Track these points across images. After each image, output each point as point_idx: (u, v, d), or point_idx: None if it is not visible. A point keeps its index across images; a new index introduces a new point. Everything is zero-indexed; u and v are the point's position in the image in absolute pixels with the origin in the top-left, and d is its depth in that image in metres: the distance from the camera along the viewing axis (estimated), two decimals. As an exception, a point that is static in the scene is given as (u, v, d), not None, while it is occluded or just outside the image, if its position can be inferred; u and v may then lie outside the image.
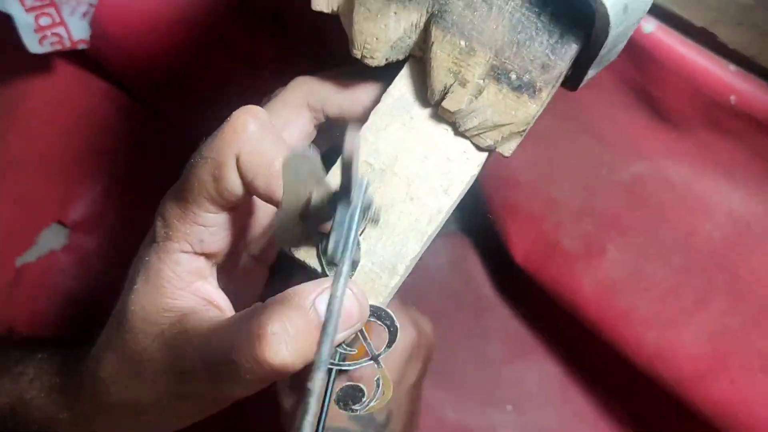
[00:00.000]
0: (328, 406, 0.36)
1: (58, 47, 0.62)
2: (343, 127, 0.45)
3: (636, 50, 0.54)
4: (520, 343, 0.78)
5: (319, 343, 0.27)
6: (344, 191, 0.31)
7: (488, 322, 0.78)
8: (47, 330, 0.70)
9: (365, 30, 0.40)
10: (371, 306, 0.38)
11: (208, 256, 0.41)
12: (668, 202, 0.61)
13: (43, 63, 0.66)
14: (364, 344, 0.38)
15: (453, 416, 0.76)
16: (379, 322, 0.38)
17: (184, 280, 0.40)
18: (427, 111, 0.42)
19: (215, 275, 0.43)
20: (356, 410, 0.38)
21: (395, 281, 0.40)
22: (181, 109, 0.71)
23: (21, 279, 0.70)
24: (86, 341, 0.46)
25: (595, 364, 0.73)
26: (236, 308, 0.43)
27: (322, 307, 0.36)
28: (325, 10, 0.42)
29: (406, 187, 0.41)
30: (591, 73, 0.41)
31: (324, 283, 0.36)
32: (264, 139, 0.38)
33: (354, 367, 0.38)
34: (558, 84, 0.40)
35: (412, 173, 0.41)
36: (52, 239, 0.71)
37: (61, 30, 0.61)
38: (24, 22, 0.59)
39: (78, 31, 0.62)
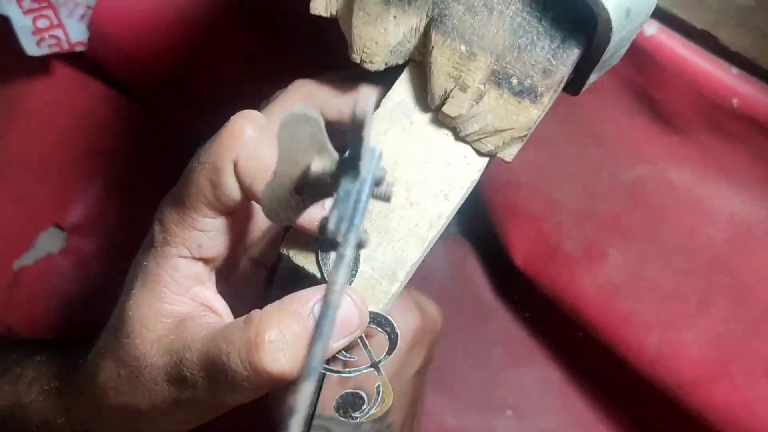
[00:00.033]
0: (314, 413, 0.36)
1: (56, 49, 0.61)
2: (342, 130, 0.44)
3: (637, 53, 0.54)
4: (521, 347, 0.77)
5: (308, 350, 0.24)
6: (351, 160, 0.26)
7: (488, 326, 0.78)
8: (46, 333, 0.69)
9: (364, 34, 0.40)
10: (371, 312, 0.38)
11: (206, 260, 0.41)
12: (670, 205, 0.61)
13: (41, 65, 0.66)
14: (364, 351, 0.38)
15: (453, 421, 0.76)
16: (379, 329, 0.38)
17: (183, 286, 0.40)
18: (427, 116, 0.41)
19: (213, 280, 0.43)
20: (356, 418, 0.38)
21: (395, 287, 0.39)
22: (179, 110, 0.71)
23: (18, 282, 0.69)
24: (85, 344, 0.45)
25: (595, 368, 0.73)
26: (235, 312, 0.43)
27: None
28: (324, 15, 0.42)
29: (406, 192, 0.40)
30: (593, 77, 0.41)
31: (323, 290, 0.36)
32: (262, 144, 0.38)
33: (354, 374, 0.38)
34: (560, 89, 0.39)
35: (412, 178, 0.41)
36: (49, 242, 0.71)
37: (58, 32, 0.61)
38: (21, 25, 0.59)
39: (76, 33, 0.62)
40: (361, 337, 0.38)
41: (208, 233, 0.40)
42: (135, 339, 0.40)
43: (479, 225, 0.74)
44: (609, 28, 0.35)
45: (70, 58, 0.65)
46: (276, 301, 0.37)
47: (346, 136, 0.25)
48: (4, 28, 0.58)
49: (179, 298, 0.40)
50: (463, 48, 0.39)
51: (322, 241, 0.38)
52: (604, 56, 0.38)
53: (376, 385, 0.38)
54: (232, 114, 0.39)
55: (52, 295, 0.71)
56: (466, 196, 0.41)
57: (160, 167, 0.53)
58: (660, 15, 0.53)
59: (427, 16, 0.40)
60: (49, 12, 0.60)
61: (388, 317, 0.38)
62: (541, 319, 0.77)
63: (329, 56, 0.48)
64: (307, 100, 0.45)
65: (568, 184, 0.66)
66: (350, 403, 0.38)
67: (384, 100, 0.42)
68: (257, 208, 0.44)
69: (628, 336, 0.64)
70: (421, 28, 0.40)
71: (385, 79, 0.42)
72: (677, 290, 0.62)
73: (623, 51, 0.40)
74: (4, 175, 0.68)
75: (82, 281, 0.72)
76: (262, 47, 0.65)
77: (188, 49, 0.64)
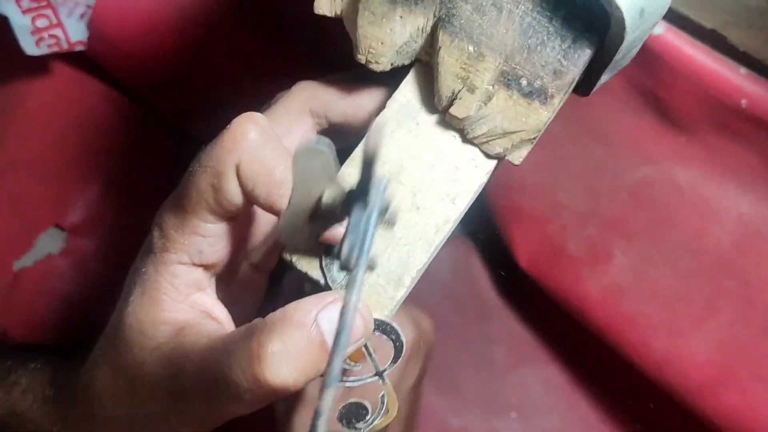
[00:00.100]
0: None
1: (56, 49, 0.61)
2: (346, 133, 0.44)
3: (645, 52, 0.53)
4: (524, 348, 0.77)
5: (329, 359, 0.26)
6: (361, 191, 0.29)
7: (492, 327, 0.78)
8: (44, 334, 0.69)
9: (370, 34, 0.39)
10: (376, 320, 0.37)
11: (206, 267, 0.40)
12: (676, 206, 0.60)
13: (40, 65, 0.65)
14: (369, 360, 0.37)
15: (456, 423, 0.75)
16: (384, 337, 0.37)
17: (182, 293, 0.39)
18: (433, 117, 0.40)
19: (214, 286, 0.42)
20: (360, 428, 0.37)
21: (401, 293, 0.38)
22: (179, 110, 0.71)
23: (18, 283, 0.69)
24: (82, 348, 0.45)
25: (600, 370, 0.73)
26: (235, 318, 0.42)
27: (324, 324, 0.34)
28: (328, 14, 0.41)
29: (412, 196, 0.40)
30: (604, 78, 0.40)
31: (326, 298, 0.35)
32: (265, 147, 0.37)
33: (358, 383, 0.37)
34: (570, 90, 0.39)
35: (419, 181, 0.40)
36: (49, 243, 0.71)
37: (58, 32, 0.60)
38: (20, 24, 0.58)
39: (75, 33, 0.61)
40: (365, 346, 0.37)
41: (209, 239, 0.39)
42: (133, 347, 0.39)
43: (483, 226, 0.74)
44: (622, 28, 0.34)
45: (70, 57, 0.64)
46: (278, 311, 0.36)
47: (360, 170, 0.27)
48: (3, 27, 0.58)
49: (178, 306, 0.39)
50: (471, 48, 0.38)
51: (326, 247, 0.38)
52: (617, 57, 0.37)
53: (380, 395, 0.37)
54: (233, 114, 0.38)
55: (52, 295, 0.70)
56: (474, 199, 0.40)
57: (160, 167, 0.53)
58: (668, 14, 0.52)
59: (434, 15, 0.39)
60: (49, 11, 0.59)
61: (394, 325, 0.37)
62: (545, 320, 0.76)
63: (332, 56, 0.48)
64: (310, 102, 0.44)
65: (572, 185, 0.65)
66: (354, 413, 0.37)
67: (390, 101, 0.41)
68: (258, 212, 0.43)
69: (634, 338, 0.64)
70: (428, 28, 0.39)
71: (390, 79, 0.42)
72: (683, 292, 0.62)
73: (635, 51, 0.39)
74: (4, 175, 0.68)
75: (82, 282, 0.71)
76: (262, 47, 0.65)
77: (188, 49, 0.64)
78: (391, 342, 0.37)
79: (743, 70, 0.53)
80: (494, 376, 0.77)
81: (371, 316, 0.37)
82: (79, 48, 0.62)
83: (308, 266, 0.39)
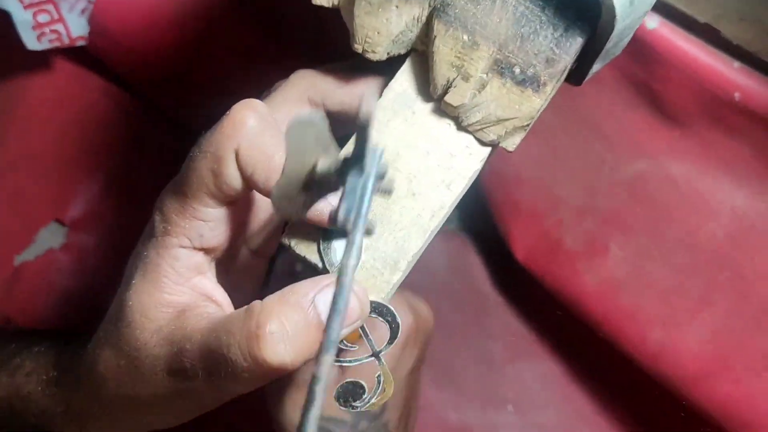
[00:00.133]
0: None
1: (57, 44, 0.61)
2: (343, 121, 0.44)
3: (639, 47, 0.54)
4: (522, 342, 0.77)
5: (328, 323, 0.26)
6: (357, 158, 0.29)
7: (489, 321, 0.78)
8: (45, 327, 0.69)
9: (366, 24, 0.40)
10: (373, 302, 0.38)
11: (207, 251, 0.41)
12: (671, 200, 0.61)
13: (41, 60, 0.66)
14: (365, 341, 0.38)
15: (454, 416, 0.76)
16: (380, 319, 0.38)
17: (183, 276, 0.40)
18: (429, 106, 0.41)
19: (214, 270, 0.42)
20: (357, 407, 0.37)
21: (397, 277, 0.39)
22: (181, 105, 0.71)
23: (19, 277, 0.69)
24: (85, 332, 0.45)
25: (597, 363, 0.73)
26: (235, 303, 0.42)
27: (321, 306, 0.35)
28: (326, 5, 0.41)
29: (408, 182, 0.40)
30: (596, 67, 0.41)
31: (323, 281, 0.36)
32: (264, 133, 0.37)
33: (354, 363, 0.38)
34: (563, 78, 0.39)
35: (414, 169, 0.40)
36: (50, 238, 0.71)
37: (59, 27, 0.61)
38: (22, 19, 0.59)
39: (77, 28, 0.62)
40: (362, 327, 0.38)
41: (209, 223, 0.39)
42: (135, 329, 0.40)
43: (480, 220, 0.74)
44: (613, 17, 0.35)
45: (71, 52, 0.65)
46: (276, 292, 0.37)
47: (353, 135, 0.29)
48: (5, 22, 0.58)
49: (179, 288, 0.40)
50: (465, 37, 0.39)
51: (323, 231, 0.38)
52: (608, 45, 0.38)
53: (376, 375, 0.38)
54: (234, 107, 0.39)
55: (53, 290, 0.71)
56: (469, 186, 0.41)
57: (161, 162, 0.53)
58: (662, 8, 0.53)
59: (429, 5, 0.39)
60: (50, 6, 0.60)
61: (390, 307, 0.38)
62: (542, 314, 0.77)
63: (331, 48, 0.48)
64: (308, 91, 0.44)
65: (569, 179, 0.66)
66: (350, 392, 0.38)
67: (386, 90, 0.41)
68: (258, 198, 0.44)
69: (630, 331, 0.64)
70: (424, 18, 0.40)
71: (387, 68, 0.42)
72: (679, 285, 0.62)
73: (627, 40, 0.40)
74: (5, 171, 0.68)
75: (82, 276, 0.72)
76: (263, 41, 0.65)
77: (189, 44, 0.64)
78: (387, 324, 0.38)
79: (737, 63, 0.53)
80: (492, 369, 0.77)
81: (367, 299, 0.37)
82: (80, 43, 0.62)
83: (306, 250, 0.39)
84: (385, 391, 0.38)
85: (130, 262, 0.42)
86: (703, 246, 0.60)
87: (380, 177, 0.33)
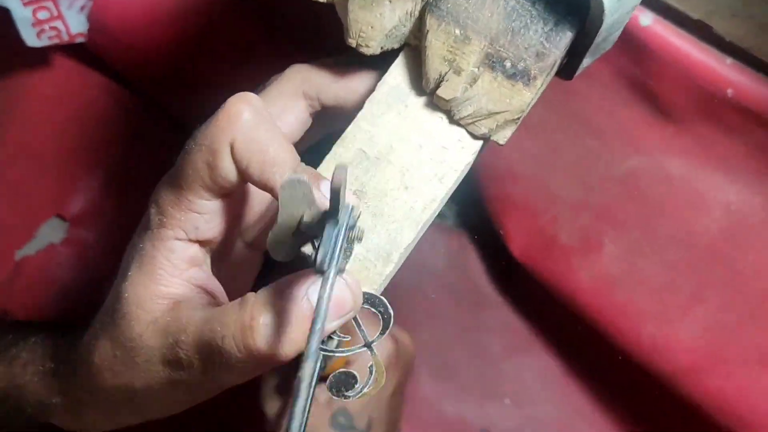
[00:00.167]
0: (314, 392, 0.36)
1: (56, 41, 0.62)
2: (339, 115, 0.45)
3: (633, 43, 0.54)
4: (518, 336, 0.78)
5: (309, 338, 0.29)
6: (332, 213, 0.34)
7: (486, 316, 0.78)
8: (45, 320, 0.69)
9: (360, 18, 0.40)
10: (365, 293, 0.38)
11: (202, 243, 0.41)
12: (665, 195, 0.61)
13: (41, 57, 0.66)
14: (358, 331, 0.39)
15: (452, 409, 0.76)
16: (373, 309, 0.38)
17: (178, 268, 0.40)
18: (422, 99, 0.42)
19: (209, 262, 0.43)
20: (349, 397, 0.38)
21: (390, 269, 0.40)
22: (179, 101, 0.71)
23: (20, 272, 0.70)
24: (81, 327, 0.46)
25: (593, 358, 0.73)
26: (230, 295, 0.43)
27: (314, 297, 0.36)
28: (321, 0, 0.42)
29: (401, 175, 0.41)
30: (586, 61, 0.41)
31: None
32: (258, 126, 0.38)
33: (347, 353, 0.38)
34: (553, 72, 0.40)
35: (407, 162, 0.41)
36: (51, 233, 0.71)
37: (59, 24, 0.61)
38: (21, 16, 0.59)
39: (76, 25, 0.62)
40: (355, 318, 0.38)
41: (205, 215, 0.40)
42: (131, 320, 0.40)
43: (477, 217, 0.74)
44: (601, 11, 0.36)
45: (70, 49, 0.65)
46: (270, 285, 0.37)
47: (329, 195, 0.33)
48: (5, 19, 0.59)
49: (175, 280, 0.41)
50: (457, 32, 0.39)
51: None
52: (597, 39, 0.38)
53: (369, 365, 0.38)
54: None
55: (53, 284, 0.71)
56: (461, 179, 0.41)
57: (160, 158, 0.53)
58: (656, 5, 0.53)
59: (422, 0, 0.40)
60: (49, 3, 0.60)
61: (382, 298, 0.38)
62: (538, 309, 0.77)
63: (330, 43, 0.49)
64: (303, 85, 0.45)
65: (564, 176, 0.66)
66: (343, 382, 0.38)
67: (379, 84, 0.42)
68: (253, 191, 0.44)
69: (624, 325, 0.64)
70: (416, 12, 0.40)
71: (380, 63, 0.43)
72: (673, 280, 0.62)
73: (616, 35, 0.40)
74: (6, 167, 0.69)
75: (82, 271, 0.72)
76: (263, 37, 0.66)
77: (188, 40, 0.65)
78: (379, 315, 0.38)
79: (729, 59, 0.53)
80: (489, 363, 0.77)
81: (360, 290, 0.38)
82: (80, 40, 0.63)
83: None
84: (377, 381, 0.38)
85: (126, 255, 0.43)
86: (696, 241, 0.61)
87: (351, 228, 0.37)
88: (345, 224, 0.36)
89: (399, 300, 0.39)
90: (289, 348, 0.36)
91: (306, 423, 0.33)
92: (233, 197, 0.41)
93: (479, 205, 0.72)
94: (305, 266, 0.38)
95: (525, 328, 0.78)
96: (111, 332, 0.41)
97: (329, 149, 0.42)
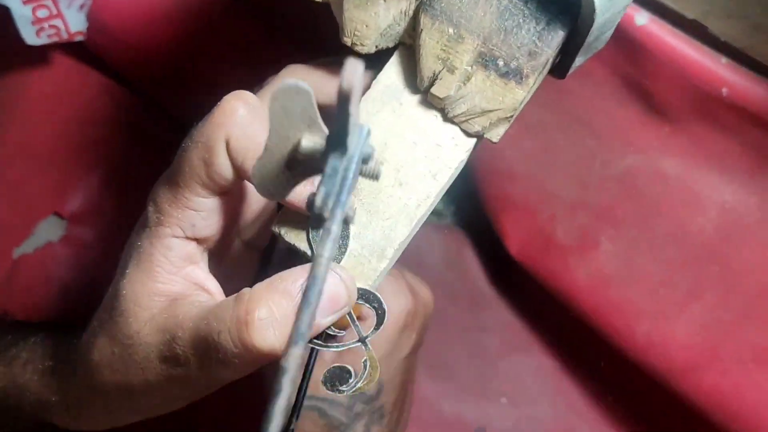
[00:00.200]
0: (306, 386, 0.36)
1: (56, 39, 0.62)
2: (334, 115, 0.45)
3: (628, 43, 0.54)
4: (516, 335, 0.78)
5: (297, 316, 0.24)
6: (339, 136, 0.26)
7: (483, 315, 0.78)
8: (44, 319, 0.70)
9: (355, 17, 0.41)
10: (360, 289, 0.39)
11: (199, 241, 0.41)
12: (661, 194, 0.61)
13: (40, 55, 0.66)
14: (352, 326, 0.39)
15: (448, 408, 0.76)
16: (367, 305, 0.39)
17: (176, 265, 0.41)
18: (416, 98, 0.42)
19: (206, 260, 0.43)
20: (343, 391, 0.38)
21: (384, 265, 0.40)
22: (178, 100, 0.72)
23: (18, 270, 0.70)
24: (81, 324, 0.46)
25: (589, 357, 0.73)
26: (227, 293, 0.43)
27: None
28: (317, -1, 0.42)
29: (395, 172, 0.41)
30: (579, 60, 0.41)
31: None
32: (254, 123, 0.38)
33: (341, 348, 0.39)
34: (545, 71, 0.40)
35: (401, 159, 0.41)
36: (49, 231, 0.71)
37: (58, 22, 0.61)
38: (21, 14, 0.59)
39: (75, 23, 0.62)
40: (349, 313, 0.39)
41: (202, 213, 0.40)
42: (128, 317, 0.41)
43: (474, 215, 0.75)
44: (592, 11, 0.36)
45: (70, 48, 0.65)
46: (265, 280, 0.38)
47: (335, 111, 0.25)
48: (4, 17, 0.59)
49: (172, 278, 0.41)
50: (451, 31, 0.40)
51: (311, 219, 0.39)
52: (589, 38, 0.38)
53: (363, 360, 0.39)
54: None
55: (51, 282, 0.71)
56: (455, 176, 0.42)
57: (159, 157, 0.54)
58: (651, 5, 0.54)
59: (416, -1, 0.40)
60: (49, 2, 0.60)
61: (376, 294, 0.39)
62: (536, 308, 0.77)
63: (329, 43, 0.49)
64: None
65: (561, 174, 0.66)
66: (338, 376, 0.38)
67: (374, 83, 0.42)
68: (251, 189, 0.44)
69: (620, 323, 0.65)
70: (411, 12, 0.41)
71: (375, 62, 0.43)
72: (668, 278, 0.63)
73: (608, 34, 0.41)
74: (4, 165, 0.69)
75: (80, 269, 0.72)
76: (262, 37, 0.66)
77: (187, 39, 0.65)
78: (373, 310, 0.39)
79: (724, 59, 0.54)
80: (486, 362, 0.77)
81: (354, 286, 0.38)
82: (79, 38, 0.63)
83: (296, 239, 0.40)
84: (371, 376, 0.39)
85: (124, 252, 0.43)
86: (692, 240, 0.61)
87: (365, 159, 0.29)
88: (357, 153, 0.28)
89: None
90: (284, 343, 0.36)
91: (296, 421, 0.32)
92: (231, 195, 0.41)
93: (477, 204, 0.72)
94: (302, 262, 0.38)
95: (522, 327, 0.78)
96: (109, 330, 0.42)
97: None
